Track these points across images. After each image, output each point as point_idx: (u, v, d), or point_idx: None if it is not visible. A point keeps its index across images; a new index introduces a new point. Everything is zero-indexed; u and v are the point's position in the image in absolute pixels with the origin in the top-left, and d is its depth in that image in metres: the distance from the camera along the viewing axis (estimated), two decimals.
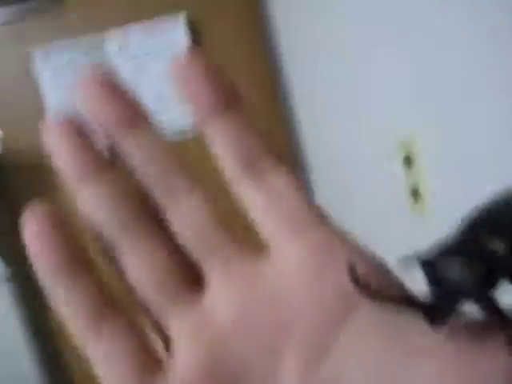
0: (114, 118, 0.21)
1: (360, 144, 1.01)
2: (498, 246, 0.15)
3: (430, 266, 0.16)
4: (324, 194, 1.30)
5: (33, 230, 0.19)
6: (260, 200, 0.21)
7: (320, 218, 0.20)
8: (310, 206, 0.21)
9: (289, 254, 0.20)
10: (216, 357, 0.19)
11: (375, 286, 0.17)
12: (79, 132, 0.21)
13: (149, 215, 0.21)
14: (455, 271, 0.15)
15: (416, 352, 0.17)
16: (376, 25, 0.80)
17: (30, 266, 0.20)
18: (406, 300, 0.17)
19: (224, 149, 0.21)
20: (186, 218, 0.21)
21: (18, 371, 1.45)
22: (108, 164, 0.21)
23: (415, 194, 0.80)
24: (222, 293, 0.20)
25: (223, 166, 0.21)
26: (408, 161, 0.79)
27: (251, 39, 1.40)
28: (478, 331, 0.16)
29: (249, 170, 0.21)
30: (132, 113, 0.21)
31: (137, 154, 0.21)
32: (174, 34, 1.34)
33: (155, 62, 1.34)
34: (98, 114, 0.21)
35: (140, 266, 0.20)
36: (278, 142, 1.43)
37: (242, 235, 0.21)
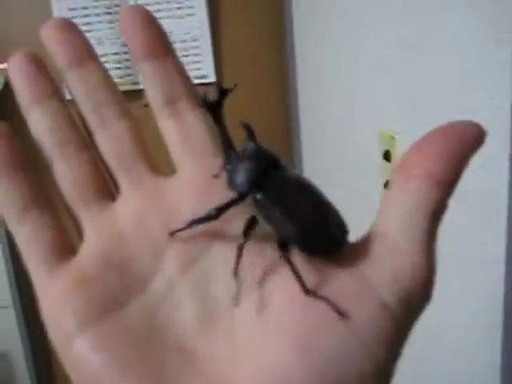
0: (66, 56, 0.26)
1: (346, 133, 1.04)
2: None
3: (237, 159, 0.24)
4: (312, 164, 1.34)
5: None
6: (173, 132, 0.26)
7: (217, 150, 0.26)
8: (212, 141, 0.26)
9: (187, 174, 0.25)
10: (112, 248, 0.24)
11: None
12: (35, 64, 0.26)
13: (81, 136, 0.26)
14: (247, 168, 0.23)
15: (271, 273, 0.22)
16: (374, 24, 0.83)
17: None
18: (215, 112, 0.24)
19: (150, 87, 0.26)
20: (110, 141, 0.26)
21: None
22: (55, 92, 0.26)
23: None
24: (129, 201, 0.25)
25: (150, 101, 0.26)
26: (388, 155, 0.83)
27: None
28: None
29: (168, 107, 0.26)
30: (80, 52, 0.26)
31: (79, 86, 0.26)
32: None
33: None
34: (54, 52, 0.26)
35: (65, 175, 0.25)
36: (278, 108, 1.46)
37: (159, 157, 0.26)
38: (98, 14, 1.32)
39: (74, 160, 0.25)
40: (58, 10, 1.31)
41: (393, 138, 0.80)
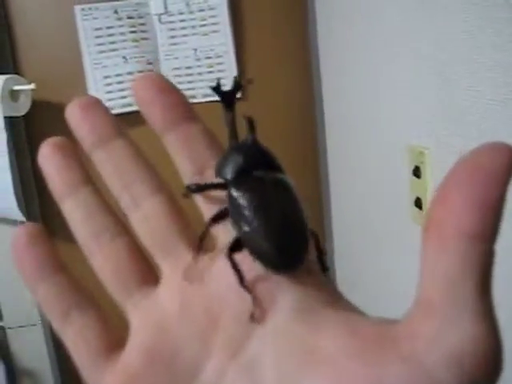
0: (91, 136, 0.25)
1: (373, 147, 1.03)
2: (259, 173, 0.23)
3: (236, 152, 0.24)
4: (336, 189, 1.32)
5: (20, 243, 0.24)
6: (205, 204, 0.25)
7: None
8: None
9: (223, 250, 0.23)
10: (158, 339, 0.23)
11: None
12: (63, 153, 0.25)
13: (115, 222, 0.25)
14: (236, 159, 0.24)
15: (317, 357, 0.20)
16: (402, 38, 0.81)
17: None
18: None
19: (177, 158, 0.25)
20: (144, 222, 0.24)
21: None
22: (85, 179, 0.25)
23: (419, 203, 0.81)
24: (171, 286, 0.24)
25: (179, 171, 0.25)
26: (417, 171, 0.80)
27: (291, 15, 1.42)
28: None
29: (198, 176, 0.25)
30: (105, 131, 0.25)
31: (106, 166, 0.25)
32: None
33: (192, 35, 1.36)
34: (79, 133, 0.25)
35: (104, 266, 0.24)
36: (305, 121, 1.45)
37: (198, 230, 0.25)
38: (122, 33, 1.33)
39: (111, 250, 0.24)
40: (83, 29, 1.32)
41: (422, 153, 0.78)
